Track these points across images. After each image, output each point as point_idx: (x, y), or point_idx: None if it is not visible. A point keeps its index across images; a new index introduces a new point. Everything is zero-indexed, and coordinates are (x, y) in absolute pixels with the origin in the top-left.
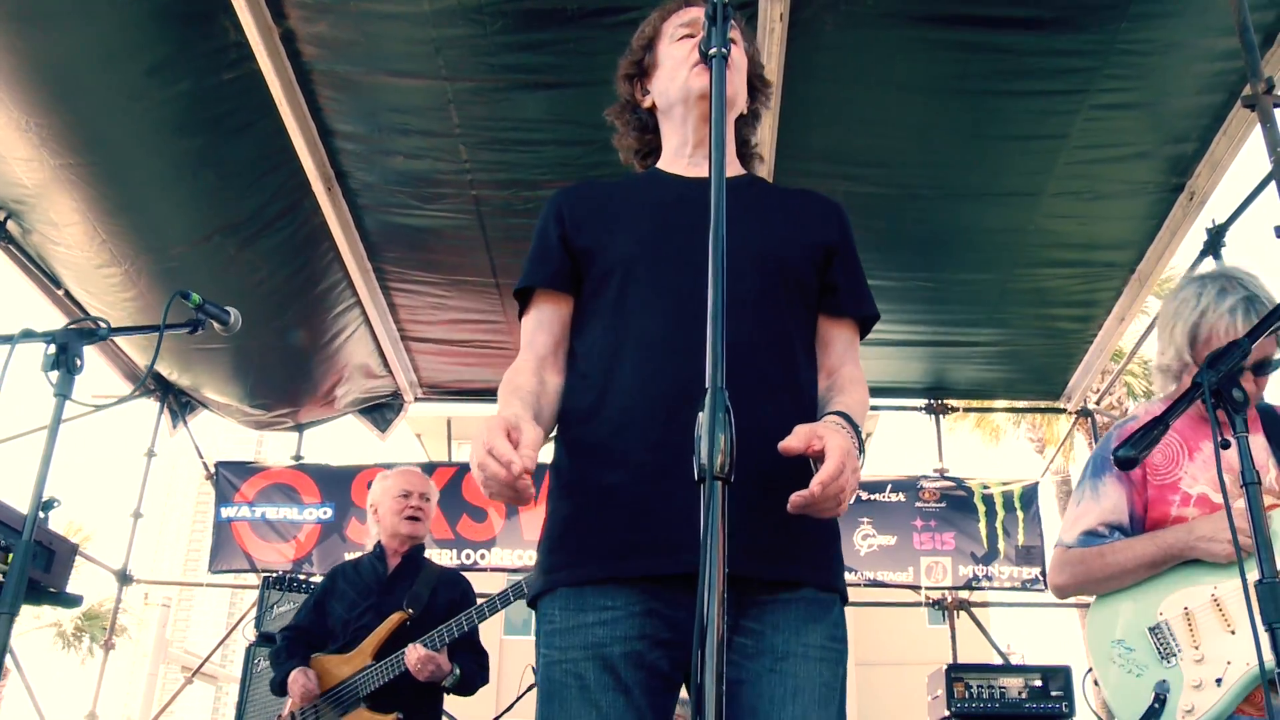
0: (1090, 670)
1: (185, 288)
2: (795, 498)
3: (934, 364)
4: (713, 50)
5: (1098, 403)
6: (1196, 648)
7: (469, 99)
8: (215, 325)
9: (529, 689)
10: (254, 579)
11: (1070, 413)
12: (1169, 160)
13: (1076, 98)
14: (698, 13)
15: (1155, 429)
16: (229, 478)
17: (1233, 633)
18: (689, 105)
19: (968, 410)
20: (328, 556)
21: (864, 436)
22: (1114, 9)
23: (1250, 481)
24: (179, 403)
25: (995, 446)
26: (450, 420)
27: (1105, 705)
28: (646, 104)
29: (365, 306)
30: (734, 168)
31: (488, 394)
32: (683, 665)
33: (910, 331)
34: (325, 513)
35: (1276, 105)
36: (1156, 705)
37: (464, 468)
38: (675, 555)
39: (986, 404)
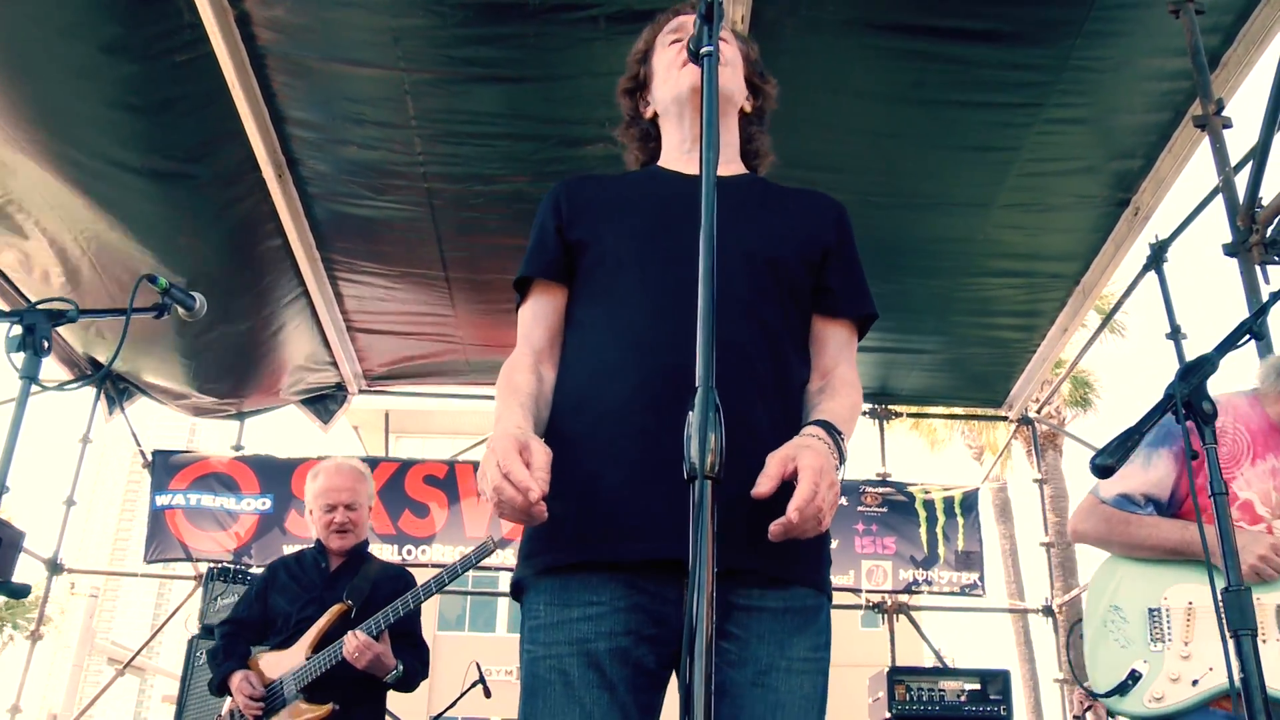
0: (1078, 622)
1: (133, 271)
2: (775, 528)
3: (879, 369)
4: (704, 49)
5: (1038, 411)
6: (1187, 643)
7: (425, 90)
8: (180, 310)
9: (473, 685)
10: (190, 569)
11: (1011, 420)
12: (1115, 175)
13: (1030, 111)
14: (686, 19)
15: (1131, 438)
16: (165, 466)
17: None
18: (682, 103)
19: (910, 415)
20: (267, 548)
21: (845, 443)
22: (1069, 25)
23: (1218, 492)
24: (117, 389)
25: (933, 451)
26: (388, 413)
27: (1074, 664)
28: (648, 114)
29: (312, 296)
30: (735, 166)
31: (434, 387)
32: (669, 662)
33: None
34: (265, 504)
35: (1226, 126)
36: (1129, 682)
37: (407, 463)
38: (659, 541)
39: (928, 410)
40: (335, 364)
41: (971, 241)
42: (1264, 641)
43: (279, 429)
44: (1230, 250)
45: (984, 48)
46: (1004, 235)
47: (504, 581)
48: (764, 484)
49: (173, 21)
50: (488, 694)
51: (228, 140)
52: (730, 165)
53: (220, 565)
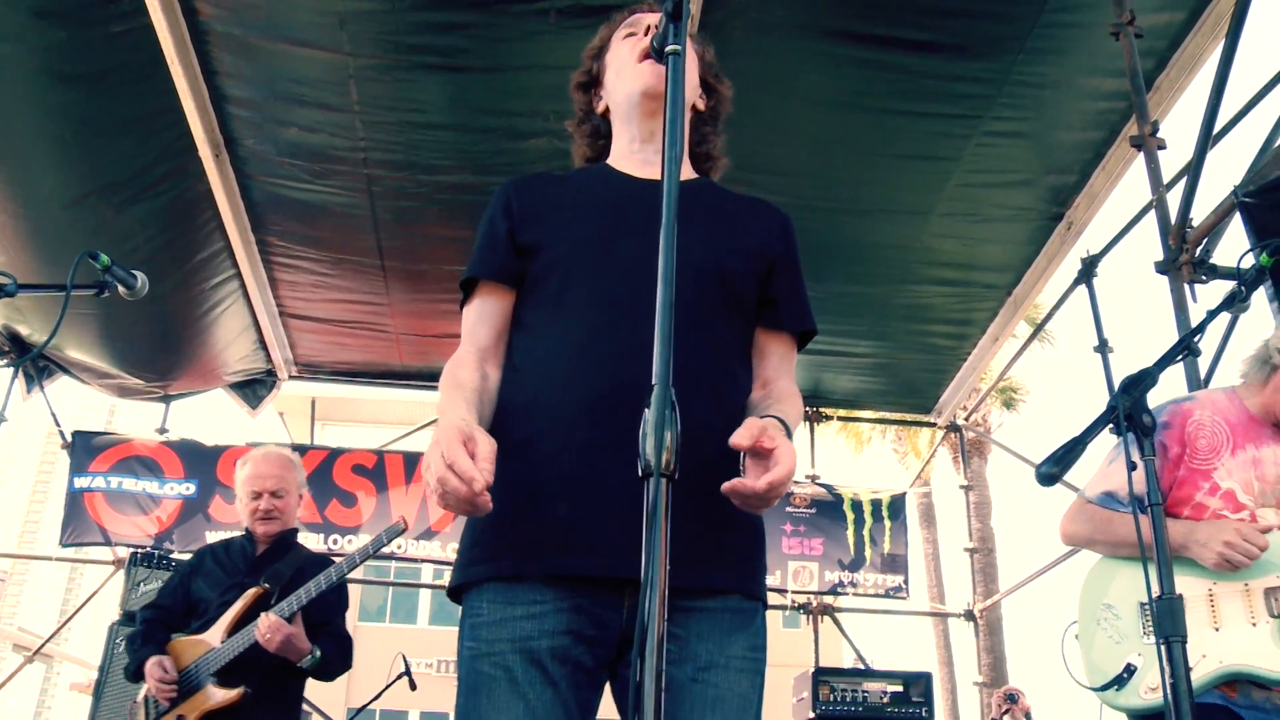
0: (1074, 623)
1: (55, 248)
2: (736, 483)
3: (813, 371)
4: (669, 47)
5: (966, 419)
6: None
7: (371, 76)
8: (121, 289)
9: (398, 677)
10: (107, 554)
11: (940, 427)
12: (1050, 190)
13: (970, 123)
14: (642, 16)
15: (1076, 448)
16: (86, 447)
17: (1217, 629)
18: (633, 103)
19: (842, 419)
20: (190, 534)
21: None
22: (1012, 41)
23: (1154, 503)
24: (37, 367)
25: (859, 454)
26: (315, 400)
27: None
28: (600, 109)
29: (245, 279)
30: (685, 170)
31: (365, 375)
32: (606, 662)
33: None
34: (188, 489)
35: (1160, 148)
36: (1125, 675)
37: (335, 452)
38: (605, 557)
39: (859, 413)
40: (266, 349)
41: (908, 249)
42: (1254, 625)
43: (204, 413)
44: (1161, 268)
45: (928, 58)
46: (940, 244)
47: (427, 573)
48: (742, 436)
49: None
50: (413, 686)
51: (163, 115)
52: (682, 168)
53: (144, 550)
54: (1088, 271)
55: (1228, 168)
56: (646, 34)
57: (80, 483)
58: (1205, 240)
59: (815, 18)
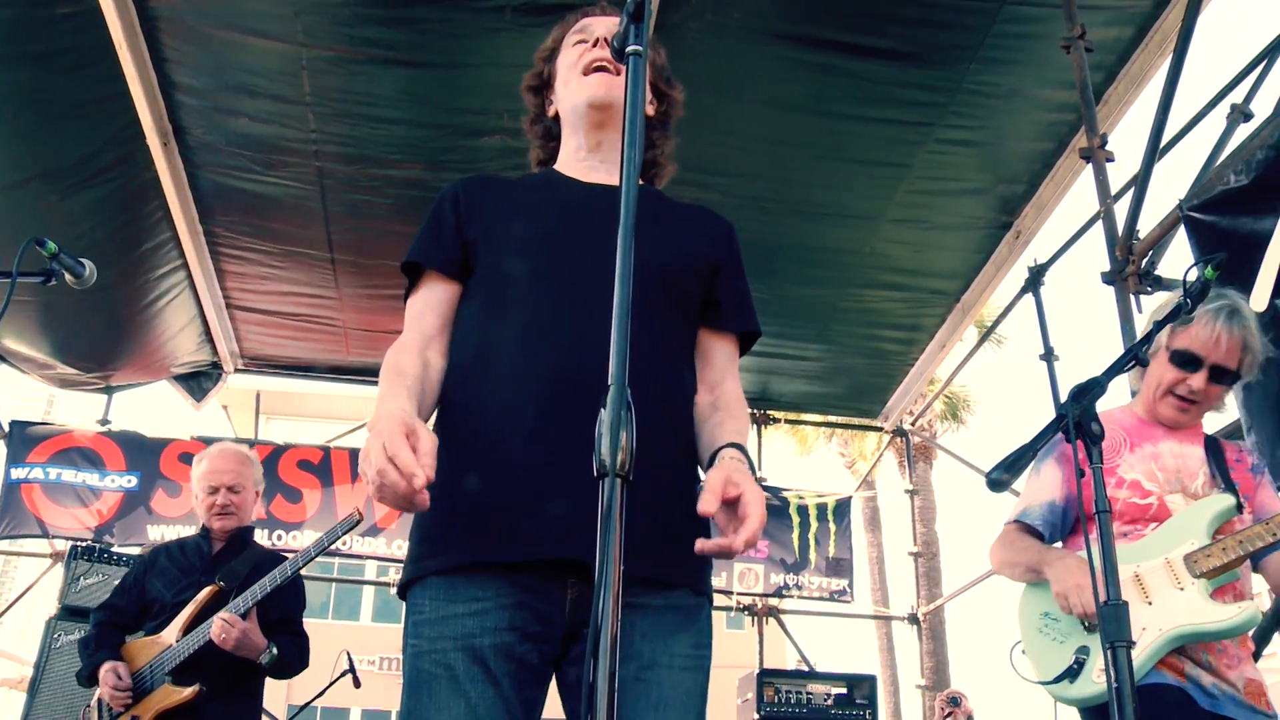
0: (1019, 642)
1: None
2: (713, 544)
3: (761, 374)
4: (629, 48)
5: (913, 424)
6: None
7: (323, 68)
8: (69, 277)
9: (342, 674)
10: (44, 546)
11: (886, 431)
12: (1000, 199)
13: (923, 130)
14: (592, 20)
15: (1025, 455)
16: (23, 437)
17: (1150, 603)
18: (579, 113)
19: (789, 422)
20: (130, 528)
21: None
22: (965, 50)
23: (1101, 510)
24: None
25: (805, 457)
26: (259, 394)
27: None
28: (551, 113)
29: (192, 270)
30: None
31: (312, 370)
32: (551, 659)
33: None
34: (130, 481)
35: (1109, 160)
36: (1075, 666)
37: (281, 447)
38: (547, 542)
39: (806, 416)
40: (212, 341)
41: (858, 254)
42: (1182, 590)
43: (147, 405)
44: (1108, 278)
45: (883, 65)
46: (890, 249)
47: (371, 570)
48: (709, 503)
49: None
50: (357, 684)
51: (111, 101)
52: None
53: (85, 543)
54: (1035, 280)
55: (1172, 180)
56: (595, 45)
57: (17, 474)
58: (1150, 252)
59: (772, 22)
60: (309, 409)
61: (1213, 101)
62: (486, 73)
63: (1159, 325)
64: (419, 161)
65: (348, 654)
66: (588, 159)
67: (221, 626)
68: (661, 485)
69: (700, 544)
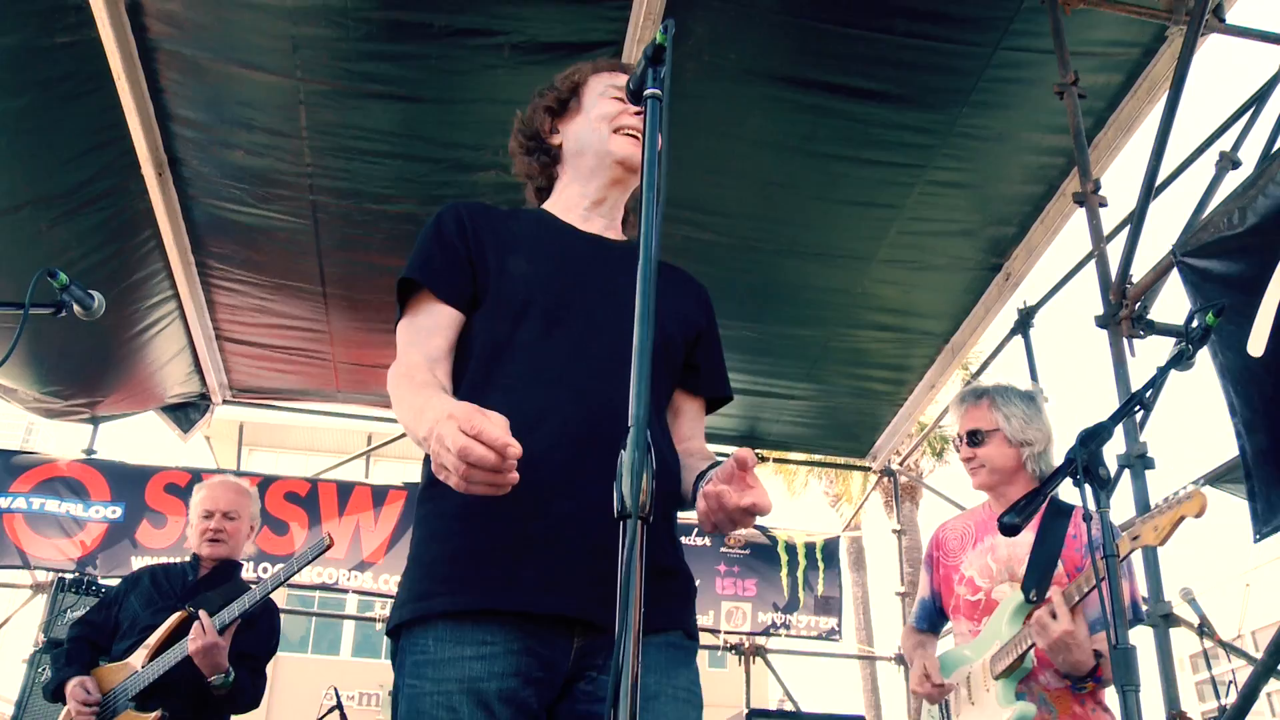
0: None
1: None
2: (721, 490)
3: (749, 413)
4: (648, 91)
5: (900, 464)
6: (959, 715)
7: (320, 102)
8: (77, 309)
9: (330, 710)
10: (26, 577)
11: (874, 471)
12: (990, 241)
13: (914, 172)
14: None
15: (1036, 499)
16: (6, 466)
17: (973, 704)
18: (602, 164)
19: (776, 460)
20: (114, 559)
21: None
22: (958, 94)
23: (1108, 554)
24: None
25: (792, 496)
26: (243, 425)
27: None
28: (554, 141)
29: (183, 300)
30: (617, 231)
31: (300, 402)
32: (548, 703)
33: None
34: (114, 512)
35: (1102, 205)
36: None
37: (268, 479)
38: (562, 596)
39: (793, 455)
40: (200, 372)
41: (849, 294)
42: (988, 691)
43: (130, 436)
44: (1102, 322)
45: (876, 107)
46: (880, 290)
47: (351, 604)
48: (742, 456)
49: None
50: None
51: (107, 131)
52: (615, 229)
53: (73, 576)
54: (1024, 322)
55: (1160, 224)
56: (638, 113)
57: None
58: (1143, 296)
59: (767, 63)
60: (292, 441)
61: (1200, 148)
62: (483, 109)
63: (1163, 371)
64: (413, 196)
65: (335, 690)
66: (590, 210)
67: (196, 633)
68: (652, 539)
69: (708, 488)
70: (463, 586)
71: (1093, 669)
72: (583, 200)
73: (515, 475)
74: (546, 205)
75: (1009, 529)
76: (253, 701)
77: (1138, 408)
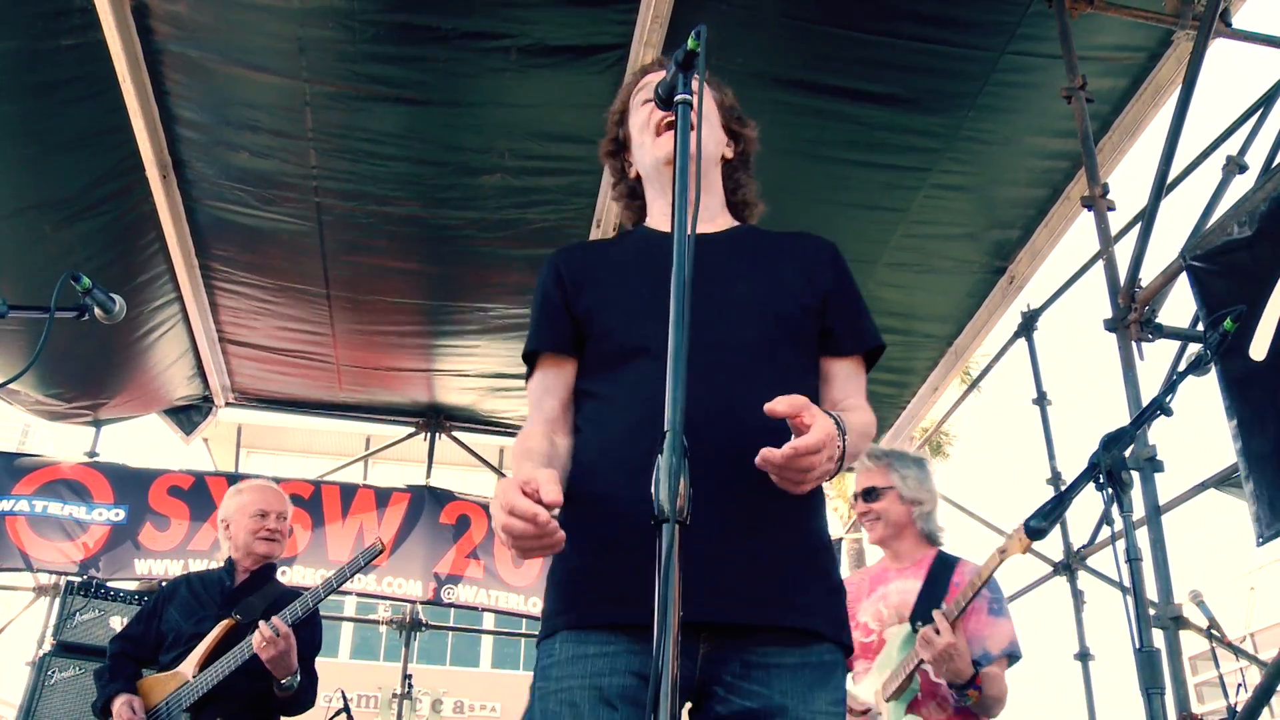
0: None
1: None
2: (766, 451)
3: None
4: (678, 96)
5: None
6: None
7: (326, 104)
8: (99, 312)
9: (337, 713)
10: (28, 580)
11: None
12: (994, 244)
13: (919, 175)
14: (653, 78)
15: (1062, 504)
16: (8, 469)
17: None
18: (659, 170)
19: None
20: (117, 561)
21: (848, 447)
22: (964, 98)
23: (1132, 558)
24: None
25: None
26: (241, 427)
27: None
28: (632, 175)
29: (186, 303)
30: (723, 219)
31: (304, 405)
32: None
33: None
34: (118, 514)
35: (1110, 209)
36: None
37: (274, 481)
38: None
39: None
40: (203, 374)
41: None
42: (879, 714)
43: (130, 438)
44: (1111, 325)
45: (882, 111)
46: (885, 293)
47: (350, 606)
48: (779, 404)
49: (62, 2)
50: None
51: (111, 134)
52: (718, 220)
53: (80, 579)
54: (1028, 325)
55: (1166, 227)
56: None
57: (2, 506)
58: (1151, 300)
59: (774, 67)
60: (290, 444)
61: (1205, 152)
62: (489, 112)
63: (1181, 376)
64: (418, 199)
65: (342, 693)
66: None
67: (269, 638)
68: (784, 536)
69: (765, 452)
70: (581, 604)
71: (971, 677)
72: (666, 209)
73: (560, 534)
74: (647, 222)
75: (1035, 533)
76: (311, 700)
77: (1158, 412)
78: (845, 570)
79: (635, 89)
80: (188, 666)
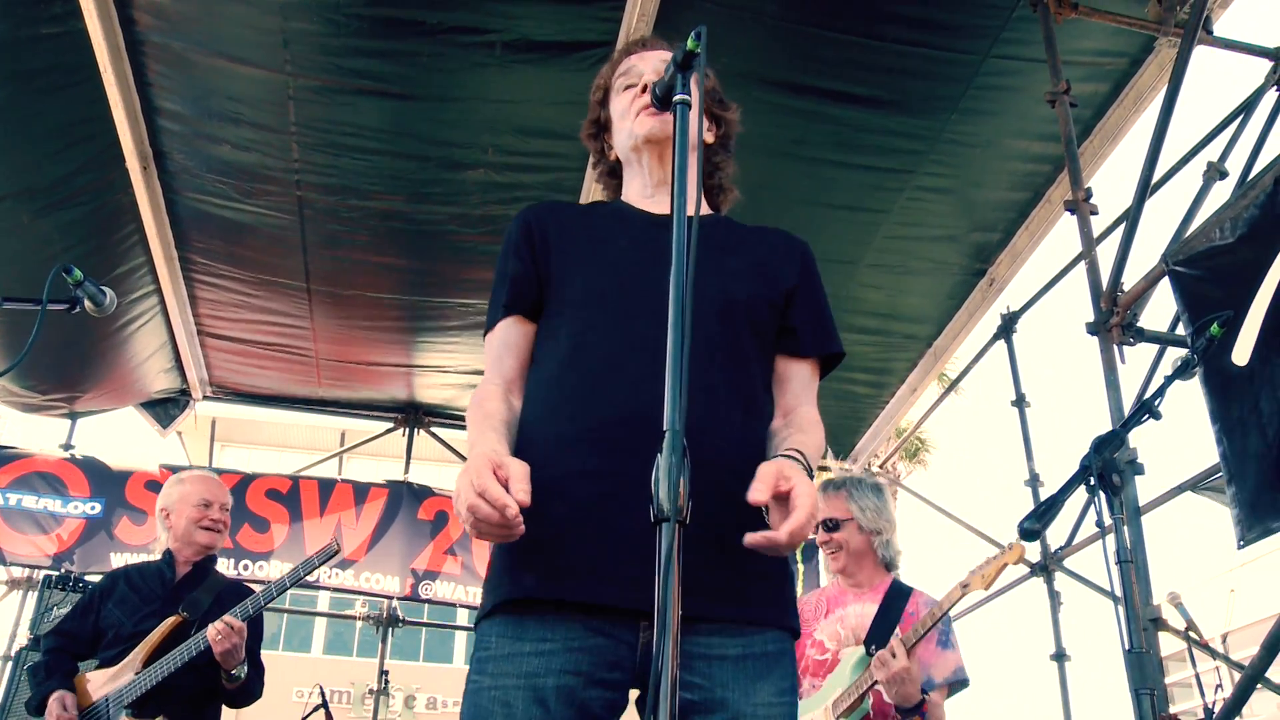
0: None
1: None
2: (755, 537)
3: None
4: (676, 97)
5: (880, 466)
6: None
7: (309, 97)
8: (89, 305)
9: (315, 709)
10: (1, 573)
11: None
12: (975, 247)
13: (902, 177)
14: (635, 61)
15: (1055, 506)
16: None
17: None
18: (640, 152)
19: None
20: (91, 555)
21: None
22: (947, 100)
23: (1123, 560)
24: None
25: None
26: (215, 421)
27: None
28: (612, 157)
29: (165, 295)
30: (701, 207)
31: (282, 399)
32: (617, 708)
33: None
34: (93, 508)
35: (1093, 213)
36: None
37: (249, 477)
38: (618, 587)
39: None
40: (181, 368)
41: (835, 297)
42: None
43: (105, 429)
44: (1092, 329)
45: (866, 112)
46: (865, 294)
47: (323, 601)
48: (759, 492)
49: None
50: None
51: (91, 123)
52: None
53: (56, 573)
54: (1007, 327)
55: (1145, 230)
56: (644, 91)
57: None
58: (1133, 304)
59: (759, 67)
60: (264, 438)
61: (1186, 157)
62: (473, 107)
63: (1169, 380)
64: (400, 193)
65: (321, 689)
66: (655, 194)
67: (224, 629)
68: (736, 526)
69: (749, 537)
70: (520, 575)
71: (919, 703)
72: (644, 189)
73: (521, 528)
74: (624, 197)
75: (1029, 535)
76: (259, 690)
77: (1146, 415)
78: (822, 574)
79: (617, 72)
80: (131, 663)
